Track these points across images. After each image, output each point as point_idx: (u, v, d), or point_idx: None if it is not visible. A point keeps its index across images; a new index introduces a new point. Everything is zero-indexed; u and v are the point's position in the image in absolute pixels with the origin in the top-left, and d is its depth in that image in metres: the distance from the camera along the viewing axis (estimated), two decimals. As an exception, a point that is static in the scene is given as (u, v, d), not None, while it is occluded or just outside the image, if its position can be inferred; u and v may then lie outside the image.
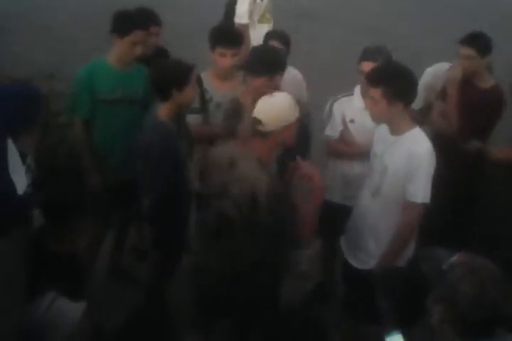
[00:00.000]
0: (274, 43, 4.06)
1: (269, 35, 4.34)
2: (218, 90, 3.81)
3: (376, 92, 3.00)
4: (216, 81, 3.84)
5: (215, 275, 2.92)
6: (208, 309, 3.04)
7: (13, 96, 2.57)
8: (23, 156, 2.68)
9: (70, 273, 2.76)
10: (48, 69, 3.58)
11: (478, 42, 3.88)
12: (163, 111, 3.27)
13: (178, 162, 3.24)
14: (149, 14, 3.77)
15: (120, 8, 3.61)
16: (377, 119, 3.15)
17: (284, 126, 2.89)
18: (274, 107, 2.92)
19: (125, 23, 3.54)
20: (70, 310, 2.57)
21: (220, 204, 2.82)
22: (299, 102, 3.10)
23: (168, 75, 3.22)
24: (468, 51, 3.85)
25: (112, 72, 3.63)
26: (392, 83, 2.97)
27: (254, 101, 3.02)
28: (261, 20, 5.36)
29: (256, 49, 3.80)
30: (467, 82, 3.91)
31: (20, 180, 2.58)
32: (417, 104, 3.77)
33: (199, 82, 3.72)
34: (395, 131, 3.11)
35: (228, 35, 3.82)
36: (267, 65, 3.42)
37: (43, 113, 2.93)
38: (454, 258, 2.17)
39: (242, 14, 5.19)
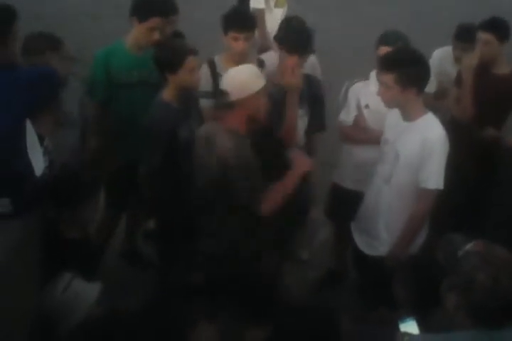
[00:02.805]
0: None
1: (290, 20, 4.29)
2: None
3: (389, 78, 2.98)
4: (230, 65, 3.82)
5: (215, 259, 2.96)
6: (214, 297, 3.08)
7: (31, 78, 2.58)
8: (40, 138, 2.70)
9: (82, 256, 2.79)
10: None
11: (498, 27, 3.85)
12: (165, 93, 3.34)
13: (178, 143, 3.25)
14: (170, 2, 3.74)
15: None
16: (390, 105, 3.13)
17: (248, 95, 2.92)
18: (237, 76, 2.98)
19: (145, 8, 3.54)
20: (87, 290, 2.60)
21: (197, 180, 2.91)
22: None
23: (161, 58, 3.31)
24: (487, 36, 3.82)
25: (128, 55, 3.64)
26: (405, 68, 2.95)
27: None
28: (276, 5, 5.33)
29: (293, 27, 3.83)
30: (483, 69, 3.88)
31: (38, 161, 2.60)
32: (430, 88, 3.75)
33: (211, 66, 3.76)
34: (408, 117, 3.10)
35: (241, 18, 3.81)
36: (303, 44, 3.47)
37: (60, 95, 2.95)
38: (470, 245, 2.17)
39: (258, -1, 5.18)
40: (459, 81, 4.01)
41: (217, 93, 3.75)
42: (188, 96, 3.44)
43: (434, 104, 3.75)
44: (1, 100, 2.45)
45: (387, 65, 3.02)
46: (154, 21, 3.53)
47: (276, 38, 3.85)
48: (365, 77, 3.74)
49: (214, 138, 2.91)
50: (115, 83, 3.62)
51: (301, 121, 3.59)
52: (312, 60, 4.22)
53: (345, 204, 3.60)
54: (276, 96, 3.32)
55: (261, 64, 3.93)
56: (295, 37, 3.54)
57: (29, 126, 2.58)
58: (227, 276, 2.93)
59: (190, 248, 3.09)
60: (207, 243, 3.00)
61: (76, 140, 3.32)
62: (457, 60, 4.25)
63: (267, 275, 3.04)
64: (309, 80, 3.66)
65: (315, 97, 3.67)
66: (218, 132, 2.93)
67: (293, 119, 3.42)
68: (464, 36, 4.23)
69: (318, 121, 3.72)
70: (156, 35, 3.53)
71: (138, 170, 3.32)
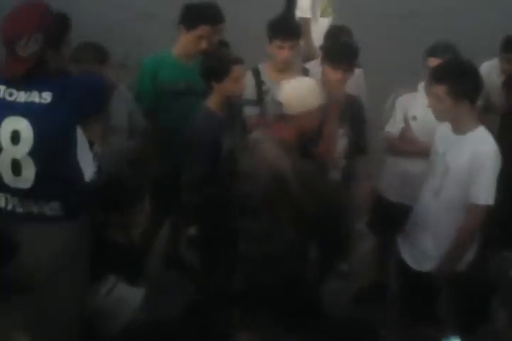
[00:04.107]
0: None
1: (336, 30, 4.27)
2: (276, 82, 3.82)
3: (440, 89, 2.94)
4: (274, 73, 3.84)
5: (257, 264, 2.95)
6: (255, 304, 3.06)
7: (82, 85, 2.62)
8: (90, 144, 2.74)
9: (127, 260, 2.81)
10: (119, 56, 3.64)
11: None
12: (210, 101, 3.34)
13: (219, 151, 3.25)
14: (218, 10, 3.73)
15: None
16: (441, 117, 3.08)
17: (306, 111, 2.90)
18: (296, 91, 2.97)
19: (193, 16, 3.56)
20: (130, 295, 2.62)
21: (243, 187, 2.89)
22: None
23: (207, 67, 3.31)
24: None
25: (176, 64, 3.65)
26: (458, 80, 2.91)
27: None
28: (323, 14, 5.33)
29: (338, 41, 3.84)
30: None
31: (88, 167, 2.63)
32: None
33: (256, 74, 3.77)
34: (459, 130, 3.05)
35: (286, 27, 3.81)
36: (348, 60, 3.47)
37: (109, 102, 2.99)
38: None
39: (304, 8, 5.18)
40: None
41: (262, 101, 3.79)
42: (233, 104, 3.45)
43: (481, 117, 3.68)
44: (53, 106, 2.49)
45: (439, 76, 2.97)
46: (203, 29, 3.54)
47: (323, 48, 3.83)
48: (413, 89, 3.70)
49: (263, 147, 2.91)
50: (162, 92, 3.64)
51: (340, 141, 3.56)
52: (358, 73, 4.19)
53: (389, 217, 3.55)
54: None
55: (305, 73, 3.92)
56: (340, 51, 3.52)
57: (79, 132, 2.62)
58: (271, 282, 2.91)
59: (232, 253, 3.09)
60: (253, 247, 2.98)
61: (123, 147, 3.36)
62: (504, 71, 4.19)
63: (310, 284, 3.02)
64: (352, 101, 3.63)
65: (357, 119, 3.63)
66: (268, 141, 2.93)
67: (332, 134, 3.38)
68: (510, 48, 4.17)
69: (359, 143, 3.66)
70: (204, 44, 3.55)
71: (182, 178, 3.34)
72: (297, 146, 3.03)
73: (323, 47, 3.94)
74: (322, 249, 3.04)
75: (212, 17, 3.63)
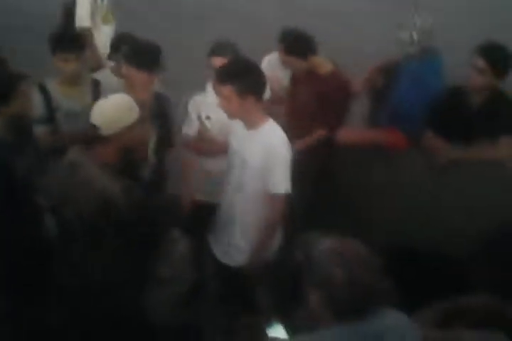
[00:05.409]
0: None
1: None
2: (66, 97, 3.70)
3: (226, 89, 3.02)
4: (64, 87, 3.72)
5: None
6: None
7: None
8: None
9: None
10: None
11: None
12: None
13: (12, 178, 3.05)
14: None
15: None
16: (231, 115, 3.18)
17: (122, 128, 2.87)
18: (107, 110, 2.90)
19: None
20: None
21: (64, 213, 2.78)
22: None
23: None
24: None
25: None
26: (241, 79, 3.00)
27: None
28: (104, 21, 5.22)
29: (139, 44, 3.74)
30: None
31: None
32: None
33: (42, 89, 3.64)
34: (250, 125, 3.16)
35: (68, 39, 3.74)
36: (153, 60, 3.49)
37: None
38: (322, 242, 2.24)
39: (83, 17, 5.04)
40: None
41: (53, 118, 3.63)
42: (21, 125, 3.22)
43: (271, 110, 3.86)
44: None
45: (223, 77, 3.05)
46: None
47: (123, 52, 3.72)
48: (202, 89, 3.78)
49: (85, 169, 2.77)
50: None
51: (152, 138, 3.57)
52: None
53: (200, 216, 3.60)
54: None
55: (96, 84, 3.85)
56: (145, 52, 3.51)
57: None
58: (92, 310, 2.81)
59: (50, 284, 2.93)
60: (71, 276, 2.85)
61: None
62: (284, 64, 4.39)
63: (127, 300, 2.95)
64: (158, 98, 3.64)
65: (163, 114, 3.66)
66: (90, 164, 2.79)
67: (143, 134, 3.35)
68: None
69: (166, 137, 3.70)
70: None
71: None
72: (121, 165, 2.95)
73: (118, 51, 3.85)
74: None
75: None
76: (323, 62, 4.04)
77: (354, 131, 4.22)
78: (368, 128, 4.38)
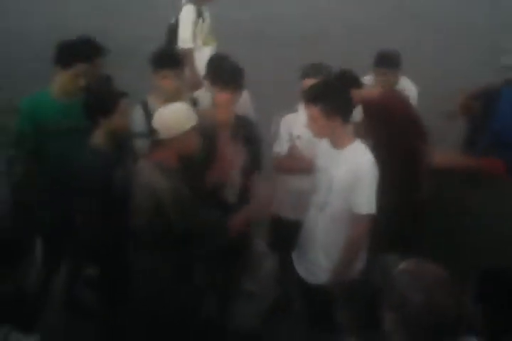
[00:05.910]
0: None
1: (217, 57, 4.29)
2: None
3: (313, 110, 3.08)
4: (162, 104, 3.86)
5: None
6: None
7: None
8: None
9: (19, 308, 2.70)
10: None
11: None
12: (95, 138, 3.32)
13: (111, 188, 3.23)
14: (93, 44, 3.66)
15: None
16: (318, 135, 3.22)
17: (179, 133, 3.02)
18: (166, 116, 3.09)
19: (68, 55, 3.52)
20: None
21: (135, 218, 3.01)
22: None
23: (92, 103, 3.30)
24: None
25: (55, 103, 3.59)
26: (328, 100, 3.05)
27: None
28: (205, 43, 5.43)
29: (223, 64, 3.92)
30: None
31: None
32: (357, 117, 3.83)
33: (144, 106, 3.81)
34: (337, 145, 3.18)
35: (168, 57, 3.89)
36: (235, 80, 3.54)
37: None
38: (401, 265, 2.21)
39: (185, 39, 5.26)
40: None
41: (152, 132, 3.80)
42: (122, 138, 3.44)
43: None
44: None
45: (310, 98, 3.10)
46: (79, 67, 3.52)
47: (207, 75, 3.90)
48: (294, 109, 3.82)
49: (144, 172, 2.96)
50: (44, 132, 3.54)
51: (236, 160, 3.61)
52: (244, 96, 4.29)
53: (287, 234, 3.61)
54: (208, 132, 3.37)
55: (195, 102, 3.98)
56: (226, 73, 3.62)
57: None
58: (171, 314, 2.90)
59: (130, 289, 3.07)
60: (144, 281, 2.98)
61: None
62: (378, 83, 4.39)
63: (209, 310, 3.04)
64: (243, 121, 3.71)
65: (250, 137, 3.70)
66: (149, 167, 2.98)
67: (224, 154, 3.46)
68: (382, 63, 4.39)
69: (254, 160, 3.72)
70: (82, 81, 3.51)
71: (74, 219, 3.28)
72: (179, 169, 3.09)
73: (208, 72, 4.00)
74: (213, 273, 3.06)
75: (87, 53, 3.58)
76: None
77: (453, 156, 4.08)
78: (466, 154, 4.23)
